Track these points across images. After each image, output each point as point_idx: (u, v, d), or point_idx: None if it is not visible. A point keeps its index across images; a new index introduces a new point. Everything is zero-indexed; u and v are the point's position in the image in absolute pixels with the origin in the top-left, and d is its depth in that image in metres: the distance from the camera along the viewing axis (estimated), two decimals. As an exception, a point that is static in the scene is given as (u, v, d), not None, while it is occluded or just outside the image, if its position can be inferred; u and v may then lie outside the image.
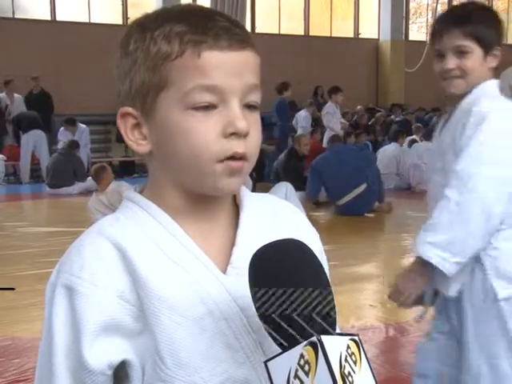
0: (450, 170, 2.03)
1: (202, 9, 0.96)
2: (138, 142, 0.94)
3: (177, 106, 0.89)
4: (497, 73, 2.22)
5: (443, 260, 1.99)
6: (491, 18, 2.13)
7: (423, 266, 2.06)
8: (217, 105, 0.89)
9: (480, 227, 1.98)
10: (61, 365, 0.88)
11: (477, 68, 2.06)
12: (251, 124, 0.91)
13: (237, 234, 0.96)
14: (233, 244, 0.95)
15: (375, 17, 19.26)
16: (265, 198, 1.06)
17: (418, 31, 21.04)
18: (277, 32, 17.50)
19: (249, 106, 0.92)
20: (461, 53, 2.05)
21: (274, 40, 16.16)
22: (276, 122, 12.77)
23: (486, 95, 2.05)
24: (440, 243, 2.00)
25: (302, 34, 18.03)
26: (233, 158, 0.90)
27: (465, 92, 2.09)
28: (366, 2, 19.51)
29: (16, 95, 12.65)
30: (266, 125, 14.98)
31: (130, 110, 0.93)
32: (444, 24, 2.11)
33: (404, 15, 19.54)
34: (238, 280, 0.89)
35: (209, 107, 0.89)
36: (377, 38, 19.21)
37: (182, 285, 0.89)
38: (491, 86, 2.10)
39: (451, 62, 2.06)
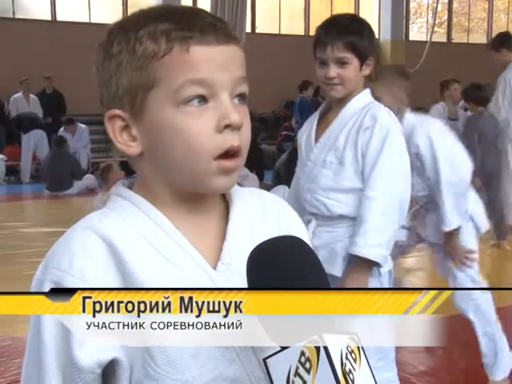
0: (348, 166, 2.33)
1: (183, 7, 0.97)
2: (127, 143, 0.94)
3: (168, 104, 0.89)
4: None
5: (383, 256, 2.29)
6: (368, 30, 2.39)
7: (366, 266, 2.29)
8: (208, 99, 0.90)
9: (400, 223, 2.36)
10: (50, 362, 0.88)
11: (353, 77, 2.34)
12: (242, 116, 0.91)
13: (227, 229, 0.96)
14: (223, 239, 0.95)
15: (375, 17, 19.24)
16: (253, 193, 1.06)
17: (419, 31, 21.03)
18: (277, 32, 17.50)
19: (238, 98, 0.92)
20: (342, 63, 2.31)
21: (275, 40, 16.16)
22: (298, 121, 12.78)
23: (379, 105, 2.39)
24: (381, 243, 2.27)
25: (303, 33, 18.02)
26: (227, 154, 0.90)
27: (344, 96, 2.37)
28: (366, 2, 19.51)
29: (32, 96, 12.66)
30: (268, 124, 14.99)
31: (117, 112, 0.93)
32: (328, 36, 2.34)
33: (404, 15, 19.53)
34: (228, 276, 0.90)
35: (201, 101, 0.89)
36: (377, 37, 19.20)
37: (172, 281, 0.88)
38: (369, 94, 2.41)
39: (332, 71, 2.32)
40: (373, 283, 2.34)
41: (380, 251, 2.28)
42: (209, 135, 0.89)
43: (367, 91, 2.41)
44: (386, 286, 2.40)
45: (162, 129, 0.90)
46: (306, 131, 2.53)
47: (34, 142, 12.34)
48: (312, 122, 2.51)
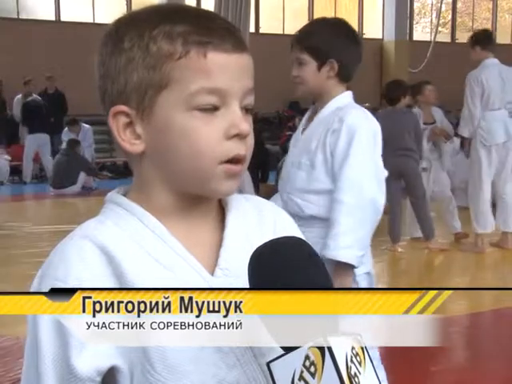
0: (319, 168, 2.37)
1: (199, 9, 0.97)
2: (130, 141, 0.92)
3: (179, 107, 0.89)
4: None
5: (357, 257, 2.30)
6: (332, 34, 2.43)
7: (344, 269, 2.30)
8: (219, 106, 0.89)
9: (373, 222, 2.34)
10: (48, 371, 0.87)
11: (311, 77, 2.42)
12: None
13: (224, 235, 0.95)
14: (220, 245, 0.94)
15: (379, 17, 19.23)
16: (249, 199, 1.05)
17: (423, 31, 21.01)
18: (281, 32, 17.49)
19: (245, 109, 0.92)
20: (300, 64, 2.45)
21: (279, 40, 16.15)
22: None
23: (353, 107, 2.41)
24: (352, 244, 2.29)
25: (306, 34, 18.00)
26: (233, 160, 0.90)
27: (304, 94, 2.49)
28: (370, 2, 19.50)
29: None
30: (272, 124, 14.98)
31: (123, 108, 0.91)
32: (294, 38, 2.53)
33: (408, 15, 19.52)
34: (226, 281, 0.89)
35: (212, 108, 0.89)
36: (381, 38, 19.18)
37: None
38: (347, 96, 2.44)
39: (294, 71, 2.48)
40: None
41: (352, 252, 2.29)
42: (217, 142, 0.89)
43: (345, 94, 2.44)
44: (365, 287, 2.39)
45: (169, 130, 0.89)
46: (296, 134, 2.61)
47: (38, 143, 12.38)
48: (301, 125, 2.59)
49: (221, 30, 0.90)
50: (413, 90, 7.10)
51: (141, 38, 0.89)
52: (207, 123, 0.89)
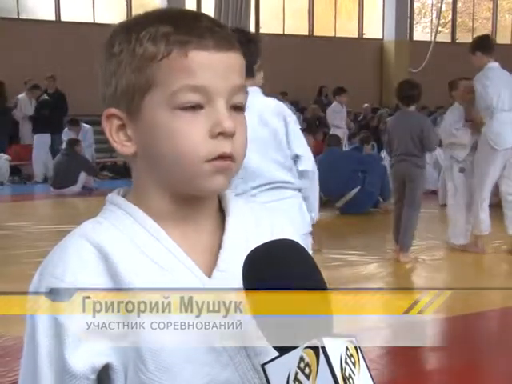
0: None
1: (187, 11, 0.97)
2: (122, 143, 0.93)
3: (163, 107, 0.89)
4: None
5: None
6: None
7: None
8: (203, 105, 0.89)
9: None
10: (45, 369, 0.88)
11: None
12: (237, 125, 0.91)
13: (223, 237, 0.95)
14: (218, 248, 0.94)
15: (380, 17, 19.24)
16: (247, 203, 1.06)
17: (423, 31, 21.03)
18: (281, 32, 17.50)
19: (235, 107, 0.92)
20: None
21: (279, 40, 16.16)
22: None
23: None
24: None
25: (307, 34, 18.02)
26: (220, 157, 0.90)
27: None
28: (370, 2, 19.50)
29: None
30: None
31: (114, 111, 0.93)
32: None
33: (408, 15, 19.53)
34: (223, 283, 0.89)
35: (195, 108, 0.89)
36: (381, 38, 19.19)
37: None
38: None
39: None
40: None
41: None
42: (201, 141, 0.89)
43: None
44: None
45: (155, 130, 0.90)
46: None
47: (46, 143, 12.45)
48: None
49: (202, 29, 0.90)
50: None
51: (129, 42, 0.91)
52: (190, 122, 0.89)
